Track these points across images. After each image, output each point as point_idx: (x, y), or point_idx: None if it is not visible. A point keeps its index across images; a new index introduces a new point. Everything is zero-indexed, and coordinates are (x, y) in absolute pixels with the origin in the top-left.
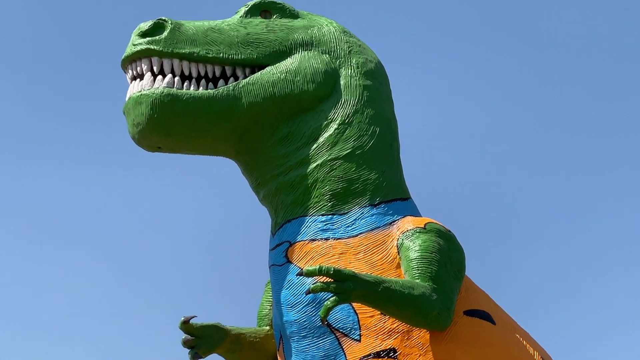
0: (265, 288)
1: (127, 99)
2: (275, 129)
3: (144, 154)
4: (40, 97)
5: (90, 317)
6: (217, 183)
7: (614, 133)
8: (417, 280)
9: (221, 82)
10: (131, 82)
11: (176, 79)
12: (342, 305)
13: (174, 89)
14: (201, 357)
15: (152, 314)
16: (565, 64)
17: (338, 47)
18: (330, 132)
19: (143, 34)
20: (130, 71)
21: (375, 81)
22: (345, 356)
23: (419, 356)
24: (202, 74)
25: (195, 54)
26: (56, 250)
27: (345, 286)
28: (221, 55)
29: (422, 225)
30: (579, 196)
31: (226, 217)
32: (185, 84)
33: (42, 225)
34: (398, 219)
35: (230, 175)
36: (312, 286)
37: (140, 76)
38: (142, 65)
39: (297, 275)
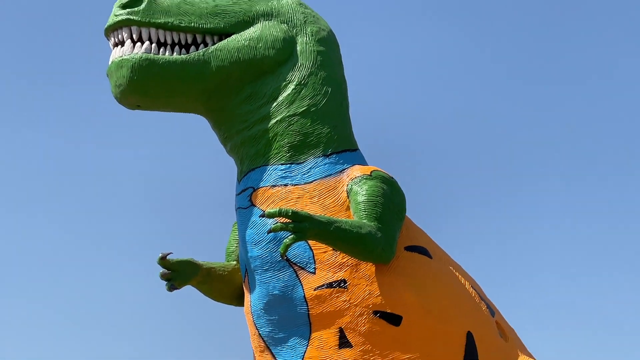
0: (233, 228)
1: (109, 63)
2: (240, 89)
3: (125, 111)
4: (35, 60)
5: (63, 265)
6: (193, 136)
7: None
8: (364, 221)
9: (193, 48)
10: (113, 48)
11: (153, 45)
12: (299, 243)
13: (151, 54)
14: (177, 288)
15: (135, 254)
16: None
17: (295, 17)
18: (288, 92)
19: (123, 6)
20: (112, 39)
21: (328, 47)
22: (302, 286)
23: (366, 286)
24: (176, 41)
25: (169, 24)
26: (28, 203)
27: (302, 226)
28: (192, 24)
29: (369, 173)
30: (516, 136)
31: (199, 166)
32: (162, 50)
33: (10, 180)
34: (347, 167)
35: (202, 129)
36: (273, 226)
37: (122, 43)
38: (123, 33)
39: (260, 216)
